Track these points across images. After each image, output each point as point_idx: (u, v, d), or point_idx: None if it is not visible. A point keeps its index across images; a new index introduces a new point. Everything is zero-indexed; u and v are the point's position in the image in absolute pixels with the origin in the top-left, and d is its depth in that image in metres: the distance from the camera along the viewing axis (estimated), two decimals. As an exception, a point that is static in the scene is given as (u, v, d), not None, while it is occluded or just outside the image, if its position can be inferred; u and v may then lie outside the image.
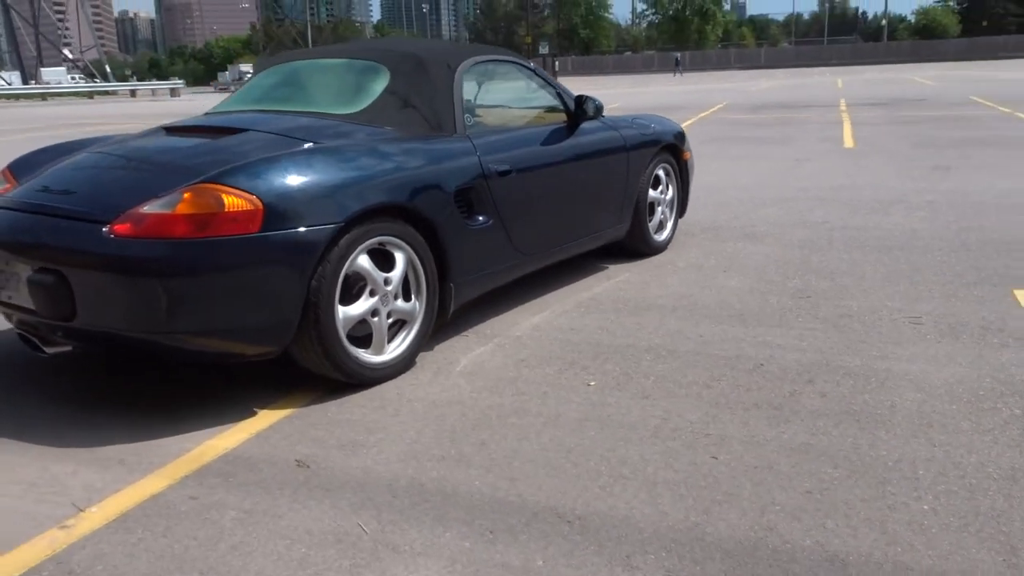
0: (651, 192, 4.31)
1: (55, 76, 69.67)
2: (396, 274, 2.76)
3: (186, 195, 2.36)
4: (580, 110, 3.73)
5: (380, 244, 2.71)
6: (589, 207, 3.80)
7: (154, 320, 2.33)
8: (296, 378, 2.77)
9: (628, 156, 4.02)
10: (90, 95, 51.61)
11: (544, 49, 59.10)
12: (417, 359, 2.93)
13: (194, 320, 2.34)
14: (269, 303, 2.41)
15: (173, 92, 47.16)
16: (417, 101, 3.14)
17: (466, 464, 2.19)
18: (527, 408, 2.54)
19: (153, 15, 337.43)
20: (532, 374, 2.81)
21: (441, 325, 3.06)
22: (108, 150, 2.92)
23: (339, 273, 2.55)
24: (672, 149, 4.46)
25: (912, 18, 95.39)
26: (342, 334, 2.60)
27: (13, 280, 2.54)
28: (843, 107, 15.27)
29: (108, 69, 73.86)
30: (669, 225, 4.57)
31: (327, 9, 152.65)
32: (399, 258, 2.77)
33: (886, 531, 1.82)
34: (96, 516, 1.99)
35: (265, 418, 2.52)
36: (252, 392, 2.71)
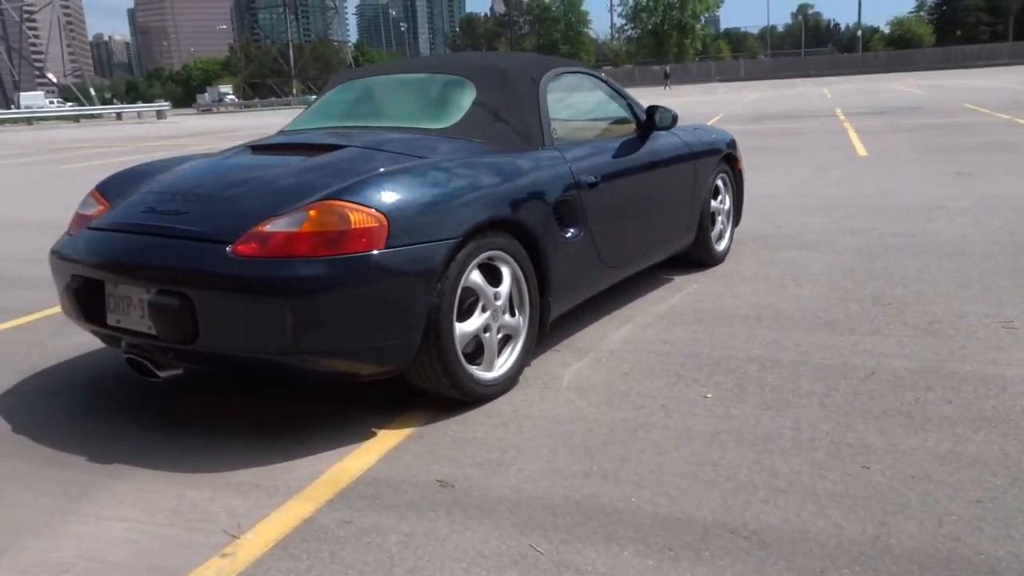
0: (712, 202, 4.31)
1: (34, 100, 69.01)
2: (504, 289, 2.72)
3: (312, 212, 2.32)
4: (651, 120, 3.73)
5: (489, 259, 2.67)
6: (664, 218, 3.79)
7: (280, 341, 2.27)
8: (402, 397, 2.71)
9: (695, 165, 4.02)
10: (76, 119, 51.16)
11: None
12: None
13: (320, 340, 2.29)
14: (396, 321, 2.37)
15: (160, 114, 46.80)
16: (506, 114, 3.12)
17: (614, 481, 2.15)
18: (652, 422, 2.50)
19: (128, 38, 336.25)
20: (642, 387, 2.78)
21: (540, 341, 3.02)
22: (205, 170, 2.86)
23: (457, 289, 2.51)
24: (729, 159, 4.46)
25: (887, 29, 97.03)
26: (459, 351, 2.55)
27: (122, 303, 2.48)
28: (841, 116, 15.44)
29: (92, 92, 73.30)
30: (727, 235, 4.57)
31: (304, 30, 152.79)
32: (505, 273, 2.73)
33: (1073, 537, 1.79)
34: (253, 543, 1.92)
35: (387, 438, 2.47)
36: (364, 412, 2.65)
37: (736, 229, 5.09)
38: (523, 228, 2.77)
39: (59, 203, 9.04)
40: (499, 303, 2.70)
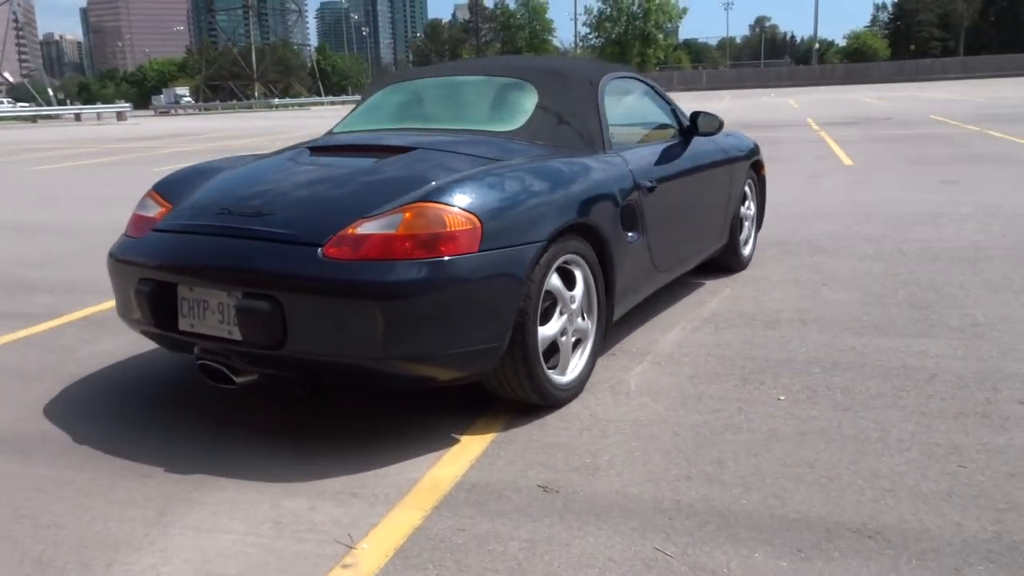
0: (740, 207, 4.36)
1: (-18, 100, 66.96)
2: (579, 292, 2.71)
3: (407, 215, 2.27)
4: (694, 125, 3.75)
5: (565, 263, 2.66)
6: (704, 222, 3.82)
7: (370, 345, 2.22)
8: (467, 402, 2.68)
9: (731, 170, 4.06)
10: (33, 119, 49.73)
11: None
12: (586, 379, 2.87)
13: (411, 344, 2.24)
14: (486, 325, 2.33)
15: (120, 116, 45.69)
16: (569, 117, 3.11)
17: (719, 483, 2.14)
18: (736, 424, 2.51)
19: (80, 38, 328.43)
20: (712, 390, 2.79)
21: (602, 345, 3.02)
22: (273, 170, 2.79)
23: (540, 292, 2.49)
24: (755, 164, 4.52)
25: (843, 42, 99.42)
26: (540, 355, 2.53)
27: (198, 308, 2.40)
28: (815, 126, 15.75)
29: (51, 92, 71.25)
30: (752, 240, 4.61)
31: (263, 32, 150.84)
32: (579, 276, 2.72)
33: None
34: (371, 553, 1.87)
35: (472, 444, 2.43)
36: (439, 418, 2.61)
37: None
38: (596, 231, 2.77)
39: (40, 207, 8.78)
40: (574, 306, 2.69)
